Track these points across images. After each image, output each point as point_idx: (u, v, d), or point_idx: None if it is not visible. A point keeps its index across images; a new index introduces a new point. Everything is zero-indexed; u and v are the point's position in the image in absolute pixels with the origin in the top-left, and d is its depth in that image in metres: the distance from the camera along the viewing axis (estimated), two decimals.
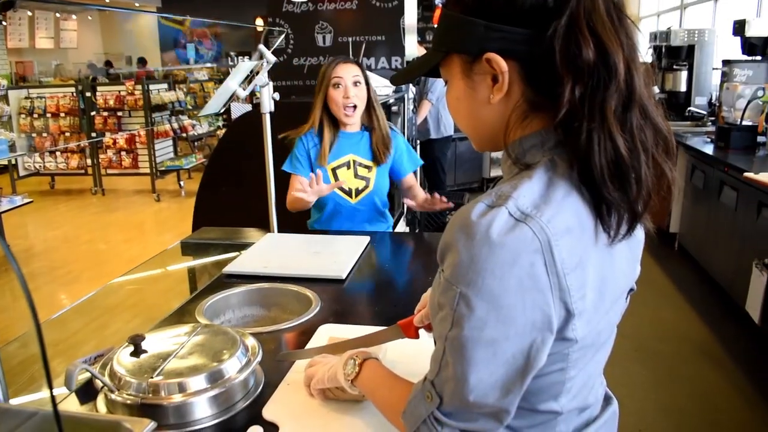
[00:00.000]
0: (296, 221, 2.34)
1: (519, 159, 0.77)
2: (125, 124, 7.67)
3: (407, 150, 2.41)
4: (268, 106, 2.11)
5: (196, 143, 9.94)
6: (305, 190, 2.04)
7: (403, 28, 4.65)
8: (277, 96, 2.13)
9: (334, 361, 1.07)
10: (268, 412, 1.09)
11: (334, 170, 2.29)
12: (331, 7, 4.68)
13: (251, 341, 1.23)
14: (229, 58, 8.51)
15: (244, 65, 2.04)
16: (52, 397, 0.47)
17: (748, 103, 4.21)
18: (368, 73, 3.95)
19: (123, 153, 7.59)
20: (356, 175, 2.30)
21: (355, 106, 2.21)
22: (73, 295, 4.38)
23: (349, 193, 2.31)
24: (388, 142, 2.30)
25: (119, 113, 7.65)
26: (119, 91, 7.57)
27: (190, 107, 9.14)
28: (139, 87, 7.50)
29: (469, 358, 0.71)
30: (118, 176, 7.91)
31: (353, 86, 2.19)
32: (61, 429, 0.52)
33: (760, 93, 4.20)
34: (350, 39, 4.63)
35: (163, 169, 7.78)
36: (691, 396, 2.87)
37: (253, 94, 2.19)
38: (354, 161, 2.30)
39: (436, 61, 0.84)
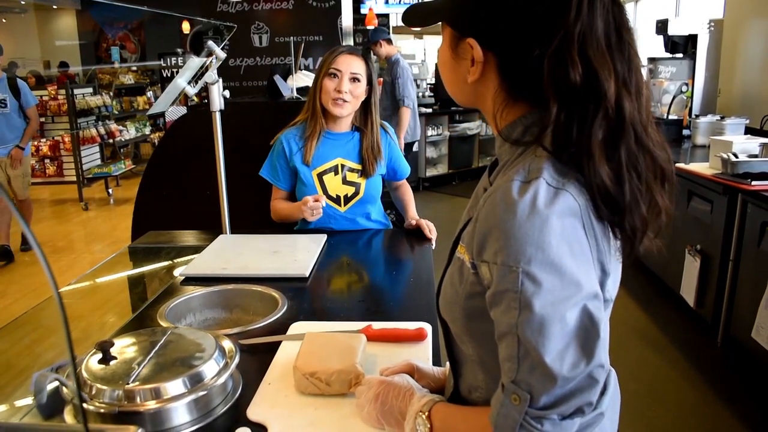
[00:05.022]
0: (247, 223, 2.28)
1: (519, 140, 0.77)
2: (48, 130, 7.32)
3: (401, 153, 2.27)
4: (218, 103, 2.04)
5: (122, 149, 9.60)
6: (309, 212, 1.97)
7: (341, 28, 4.64)
8: (227, 93, 2.07)
9: (404, 389, 0.98)
10: (253, 414, 1.05)
11: (320, 176, 2.11)
12: (267, 7, 4.63)
13: (227, 343, 1.19)
14: (163, 59, 8.21)
15: (193, 62, 1.98)
16: (83, 413, 0.43)
17: (674, 98, 4.43)
18: (306, 73, 3.91)
19: (47, 161, 7.24)
20: (345, 181, 2.13)
21: (347, 102, 2.03)
22: None
23: (337, 200, 2.14)
24: (378, 152, 2.14)
25: (42, 119, 7.28)
26: (41, 96, 7.21)
27: (116, 112, 8.82)
28: (63, 91, 7.16)
29: (548, 334, 0.68)
30: (43, 185, 7.53)
31: (350, 82, 2.02)
32: None
33: (684, 88, 4.42)
34: (287, 39, 4.58)
35: (90, 176, 7.46)
36: (635, 378, 2.98)
37: (186, 96, 2.11)
38: (342, 165, 2.12)
39: (439, 20, 0.85)
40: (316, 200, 1.98)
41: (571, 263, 0.69)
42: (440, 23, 0.87)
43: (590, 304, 0.70)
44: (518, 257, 0.69)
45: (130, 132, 8.97)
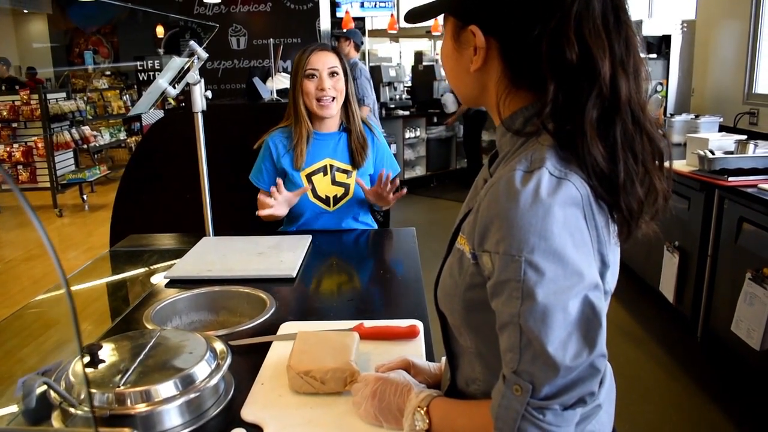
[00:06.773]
0: (226, 226, 2.25)
1: (520, 131, 0.78)
2: (21, 135, 7.16)
3: (389, 151, 2.26)
4: (200, 104, 2.01)
5: (96, 155, 9.46)
6: (269, 204, 1.93)
7: (319, 30, 4.63)
8: (209, 94, 2.04)
9: (401, 385, 0.98)
10: (248, 414, 1.03)
11: (309, 176, 2.09)
12: (245, 9, 4.60)
13: (219, 344, 1.17)
14: (138, 62, 8.08)
15: (175, 62, 1.95)
16: (93, 415, 0.42)
17: (649, 97, 4.49)
18: (285, 75, 3.89)
19: (20, 167, 7.08)
20: (334, 182, 2.11)
21: (333, 98, 2.03)
22: None
23: (326, 201, 2.12)
24: (363, 142, 2.13)
25: (14, 124, 7.13)
26: (13, 101, 7.06)
27: (90, 117, 8.69)
28: (36, 96, 7.02)
29: (550, 323, 0.68)
30: None
31: (329, 77, 2.02)
32: None
33: (659, 88, 4.49)
34: (266, 41, 4.56)
35: (64, 182, 7.31)
36: (618, 373, 2.96)
37: (165, 99, 2.09)
38: (331, 166, 2.11)
39: (440, 13, 0.86)
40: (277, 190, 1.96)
41: (574, 253, 0.70)
42: (437, 25, 0.88)
43: (591, 294, 0.70)
44: (521, 246, 0.69)
45: (104, 137, 8.84)
